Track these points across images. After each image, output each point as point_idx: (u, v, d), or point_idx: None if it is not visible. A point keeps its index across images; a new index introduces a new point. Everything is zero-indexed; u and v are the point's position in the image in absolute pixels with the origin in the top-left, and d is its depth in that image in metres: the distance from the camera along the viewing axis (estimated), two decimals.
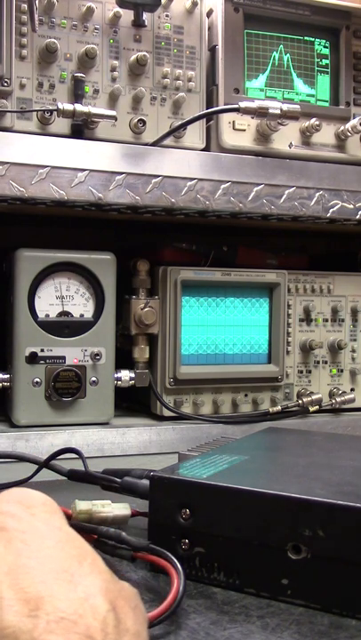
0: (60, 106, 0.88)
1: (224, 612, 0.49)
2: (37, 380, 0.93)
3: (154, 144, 0.96)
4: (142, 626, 0.35)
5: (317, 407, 1.09)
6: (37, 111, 0.90)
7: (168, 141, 0.97)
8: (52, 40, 0.90)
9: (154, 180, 0.93)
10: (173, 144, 0.98)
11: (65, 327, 0.95)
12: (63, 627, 0.30)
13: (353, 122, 1.05)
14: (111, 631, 0.31)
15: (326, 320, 1.13)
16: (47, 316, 0.95)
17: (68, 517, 0.61)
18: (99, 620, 0.31)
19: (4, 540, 0.35)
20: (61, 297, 0.95)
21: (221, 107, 0.99)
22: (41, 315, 0.94)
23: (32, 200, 0.90)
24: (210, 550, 0.54)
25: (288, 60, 1.05)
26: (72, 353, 0.95)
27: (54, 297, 0.95)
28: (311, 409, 1.09)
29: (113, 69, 0.95)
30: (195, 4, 0.99)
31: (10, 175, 0.86)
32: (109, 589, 0.33)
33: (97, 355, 0.96)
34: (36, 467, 0.72)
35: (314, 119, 1.03)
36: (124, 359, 1.02)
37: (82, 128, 0.92)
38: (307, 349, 1.11)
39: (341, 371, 1.14)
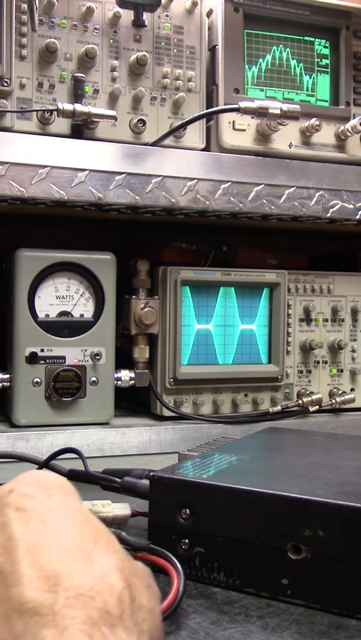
0: (60, 106, 0.88)
1: (224, 612, 0.49)
2: (37, 380, 0.93)
3: (154, 144, 0.96)
4: (156, 603, 0.36)
5: (317, 407, 1.09)
6: (37, 111, 0.90)
7: (168, 141, 0.97)
8: (52, 40, 0.90)
9: (154, 180, 0.93)
10: (173, 144, 0.98)
11: (65, 327, 0.95)
12: (82, 602, 0.31)
13: (353, 122, 1.05)
14: (127, 607, 0.32)
15: (326, 320, 1.13)
16: (47, 315, 0.95)
17: None
18: (115, 597, 0.32)
19: (23, 520, 0.36)
20: (61, 297, 0.95)
21: (221, 107, 0.99)
22: (41, 315, 0.94)
23: (32, 200, 0.90)
24: (210, 550, 0.54)
25: (288, 60, 1.05)
26: (72, 353, 0.95)
27: (54, 297, 0.95)
28: (311, 409, 1.09)
29: (113, 69, 0.95)
30: (195, 4, 0.99)
31: (10, 175, 0.86)
32: (124, 568, 0.35)
33: (97, 355, 0.96)
34: (36, 467, 0.72)
35: (314, 119, 1.03)
36: (124, 359, 1.02)
37: (82, 128, 0.92)
38: (307, 349, 1.11)
39: (341, 371, 1.14)
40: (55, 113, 0.89)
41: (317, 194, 1.03)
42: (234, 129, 1.01)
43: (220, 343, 1.05)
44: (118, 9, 0.94)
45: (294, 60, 1.06)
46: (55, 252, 0.95)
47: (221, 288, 1.05)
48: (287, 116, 0.96)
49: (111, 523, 0.62)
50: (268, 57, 1.04)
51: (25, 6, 0.88)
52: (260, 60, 1.04)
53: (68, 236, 1.26)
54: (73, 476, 0.68)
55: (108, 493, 0.65)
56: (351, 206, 1.05)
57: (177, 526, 0.55)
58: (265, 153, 1.02)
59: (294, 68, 1.06)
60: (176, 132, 0.96)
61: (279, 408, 1.07)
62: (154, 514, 0.56)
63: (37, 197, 0.88)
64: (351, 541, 0.48)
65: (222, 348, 1.06)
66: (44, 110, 0.90)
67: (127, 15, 0.94)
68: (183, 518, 0.54)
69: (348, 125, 1.05)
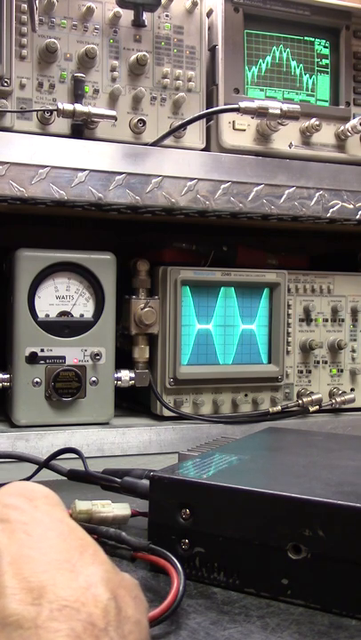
0: (60, 106, 0.88)
1: (224, 612, 0.49)
2: (37, 380, 0.93)
3: (154, 144, 0.96)
4: (143, 615, 0.35)
5: (317, 407, 1.09)
6: (37, 111, 0.90)
7: (168, 141, 0.97)
8: (52, 40, 0.90)
9: (154, 180, 0.93)
10: (173, 144, 0.98)
11: (65, 327, 0.95)
12: (66, 614, 0.31)
13: (353, 122, 1.05)
14: (113, 619, 0.32)
15: (326, 320, 1.13)
16: (47, 315, 0.95)
17: None
18: (100, 608, 0.32)
19: (7, 532, 0.35)
20: (61, 297, 0.95)
21: (221, 107, 0.99)
22: (41, 315, 0.94)
23: (32, 200, 0.90)
24: (210, 550, 0.54)
25: (288, 60, 1.06)
26: (72, 353, 0.95)
27: (54, 297, 0.95)
28: (311, 409, 1.09)
29: (113, 69, 0.95)
30: (195, 4, 0.99)
31: (10, 175, 0.86)
32: (110, 579, 0.34)
33: (97, 355, 0.96)
34: (36, 467, 0.72)
35: (314, 119, 1.03)
36: (124, 359, 1.02)
37: (82, 128, 0.92)
38: (307, 349, 1.11)
39: (341, 371, 1.14)
40: (55, 113, 0.89)
41: (317, 194, 1.03)
42: (234, 129, 1.01)
43: (221, 343, 1.05)
44: (118, 9, 0.94)
45: (294, 60, 1.06)
46: (55, 252, 0.95)
47: (221, 288, 1.05)
48: (287, 116, 0.96)
49: (111, 523, 0.62)
50: (268, 57, 1.04)
51: (25, 6, 0.88)
52: (260, 60, 1.04)
53: (68, 236, 1.25)
54: (73, 476, 0.68)
55: (108, 493, 0.65)
56: (351, 206, 1.05)
57: (177, 526, 0.55)
58: (265, 153, 1.02)
59: (294, 68, 1.06)
60: (176, 131, 0.96)
61: (279, 408, 1.07)
62: (154, 514, 0.56)
63: (37, 197, 0.88)
64: (351, 541, 0.48)
65: (222, 348, 1.06)
66: (44, 110, 0.90)
67: (127, 15, 0.95)
68: (183, 518, 0.54)
69: (348, 125, 1.05)
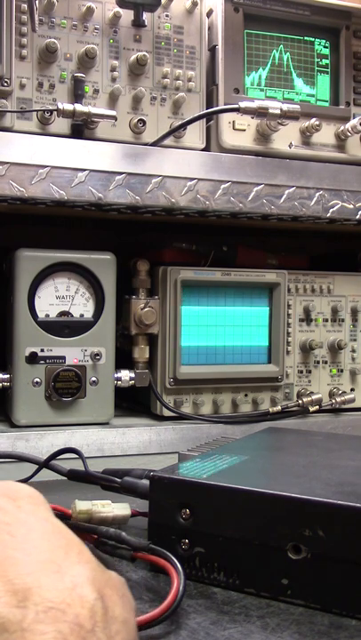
0: (60, 106, 0.88)
1: (224, 612, 0.49)
2: (37, 380, 0.93)
3: (154, 144, 0.96)
4: (130, 614, 0.35)
5: (317, 407, 1.09)
6: (37, 111, 0.90)
7: (168, 141, 0.97)
8: (52, 40, 0.90)
9: (154, 180, 0.93)
10: (173, 144, 0.98)
11: (65, 327, 0.95)
12: (52, 616, 0.30)
13: (353, 122, 1.05)
14: (100, 619, 0.32)
15: (326, 320, 1.13)
16: (47, 315, 0.95)
17: (68, 517, 0.61)
18: (87, 609, 0.31)
19: None
20: (61, 297, 0.95)
21: (221, 107, 0.99)
22: (41, 315, 0.94)
23: (32, 200, 0.90)
24: (210, 550, 0.54)
25: (288, 60, 1.06)
26: (72, 353, 0.95)
27: (54, 297, 0.95)
28: (311, 409, 1.09)
29: (113, 69, 0.95)
30: (195, 4, 0.99)
31: (10, 175, 0.86)
32: (97, 578, 0.34)
33: (97, 355, 0.96)
34: (36, 467, 0.72)
35: (314, 119, 1.03)
36: (124, 359, 1.02)
37: (82, 128, 0.92)
38: (307, 349, 1.11)
39: (341, 371, 1.14)
40: (55, 113, 0.89)
41: (317, 194, 1.03)
42: (234, 129, 1.01)
43: (221, 343, 1.05)
44: (118, 9, 0.94)
45: (294, 60, 1.06)
46: (55, 252, 0.95)
47: (221, 288, 1.05)
48: (287, 116, 0.96)
49: (111, 523, 0.62)
50: (268, 58, 1.04)
51: (25, 6, 0.88)
52: (260, 59, 1.03)
53: (68, 235, 1.26)
54: (73, 476, 0.68)
55: (108, 493, 0.65)
56: (351, 206, 1.05)
57: (177, 526, 0.55)
58: (265, 153, 1.02)
59: (294, 68, 1.06)
60: (176, 131, 0.96)
61: (279, 408, 1.07)
62: (154, 514, 0.56)
63: (37, 197, 0.88)
64: (351, 541, 0.48)
65: (222, 348, 1.05)
66: (44, 110, 0.90)
67: (127, 15, 0.95)
68: (183, 518, 0.54)
69: (348, 125, 1.05)
